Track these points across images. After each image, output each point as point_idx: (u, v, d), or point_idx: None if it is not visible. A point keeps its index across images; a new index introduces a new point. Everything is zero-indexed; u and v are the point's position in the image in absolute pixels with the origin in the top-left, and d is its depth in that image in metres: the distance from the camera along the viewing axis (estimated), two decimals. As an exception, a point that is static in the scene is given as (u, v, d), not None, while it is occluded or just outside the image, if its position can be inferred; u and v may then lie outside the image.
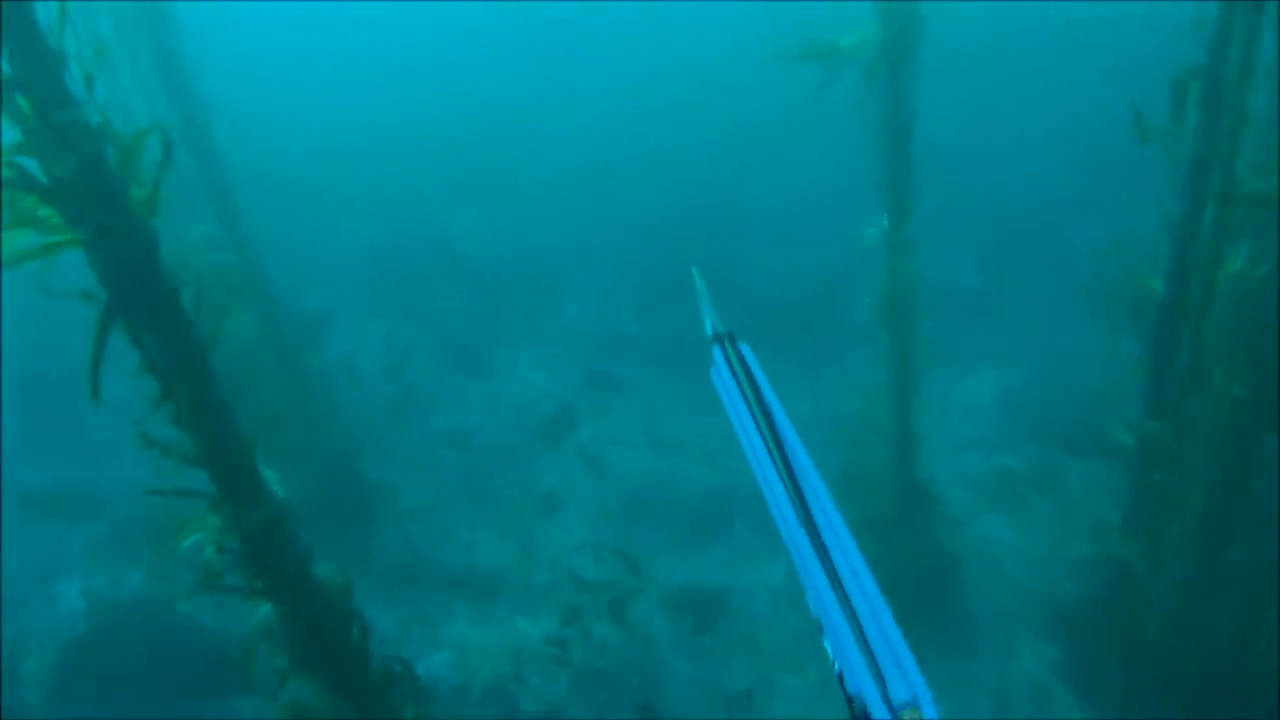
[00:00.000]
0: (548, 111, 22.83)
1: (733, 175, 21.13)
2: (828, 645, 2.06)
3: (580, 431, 14.33)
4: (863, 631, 1.99)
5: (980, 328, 17.91)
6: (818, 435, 11.50)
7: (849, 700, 1.88)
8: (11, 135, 4.68)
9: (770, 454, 2.56)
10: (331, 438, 12.63)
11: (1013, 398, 16.22)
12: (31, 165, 4.79)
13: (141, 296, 5.25)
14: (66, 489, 12.77)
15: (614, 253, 19.04)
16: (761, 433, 2.62)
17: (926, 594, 11.61)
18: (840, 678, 1.94)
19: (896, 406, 11.53)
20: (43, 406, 13.96)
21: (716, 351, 2.98)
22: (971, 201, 19.03)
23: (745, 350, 2.95)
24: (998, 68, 20.45)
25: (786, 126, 20.78)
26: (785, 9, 22.51)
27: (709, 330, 3.15)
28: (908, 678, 1.86)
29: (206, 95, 11.22)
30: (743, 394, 2.78)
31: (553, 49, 24.23)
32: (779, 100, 21.92)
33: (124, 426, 5.29)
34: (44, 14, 4.54)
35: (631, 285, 18.39)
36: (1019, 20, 21.33)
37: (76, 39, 4.67)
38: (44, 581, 11.28)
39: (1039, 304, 18.32)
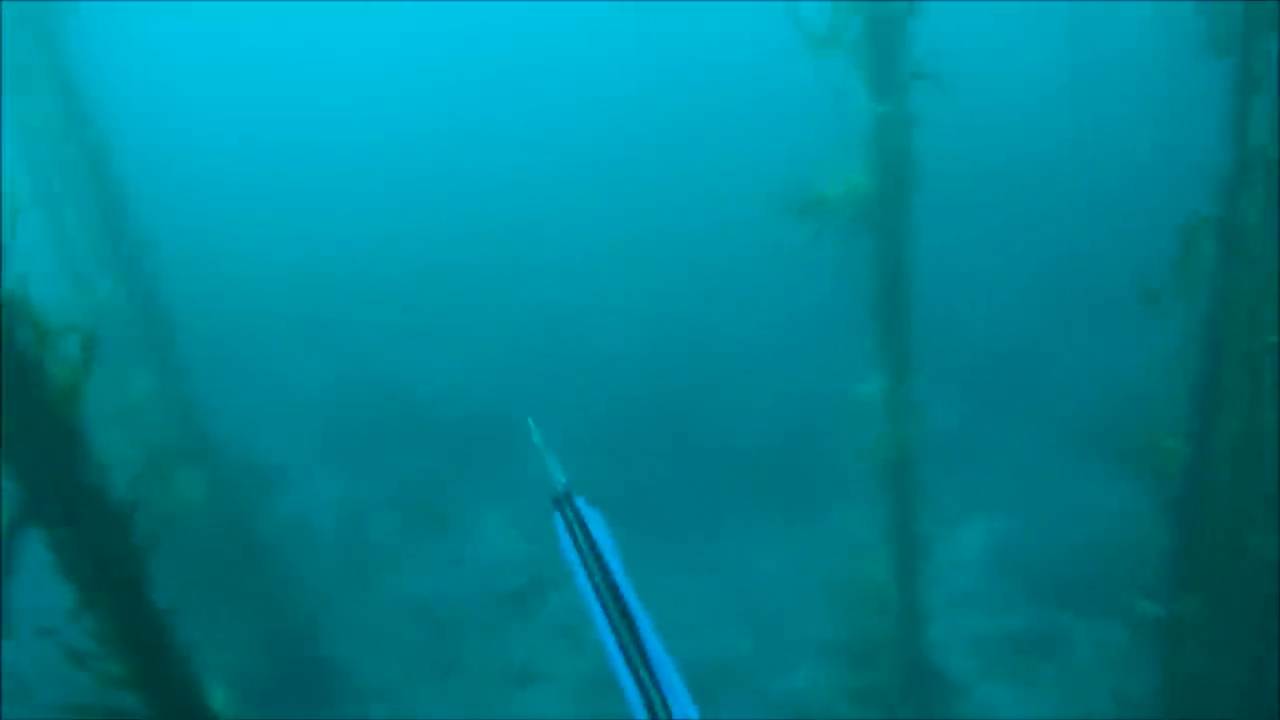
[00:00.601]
0: (509, 246, 22.33)
1: (704, 316, 20.63)
2: None
3: (552, 599, 13.33)
4: None
5: (963, 473, 17.17)
6: (807, 599, 10.73)
7: None
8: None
9: (612, 620, 2.55)
10: (284, 609, 11.55)
11: (1005, 550, 15.46)
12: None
13: (61, 498, 4.41)
14: (-15, 677, 11.45)
15: (582, 399, 18.29)
16: (602, 596, 2.63)
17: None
18: None
19: (900, 579, 10.72)
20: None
21: (557, 518, 2.98)
22: (943, 335, 18.65)
23: (583, 507, 2.98)
24: (971, 198, 20.33)
25: (762, 265, 20.43)
26: (763, 144, 22.69)
27: (560, 484, 3.13)
28: None
29: (149, 239, 10.56)
30: (582, 557, 2.78)
31: (515, 179, 23.90)
32: (754, 238, 21.73)
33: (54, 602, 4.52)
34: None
35: (602, 434, 17.56)
36: (1000, 148, 21.30)
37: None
38: None
39: (1022, 447, 17.75)
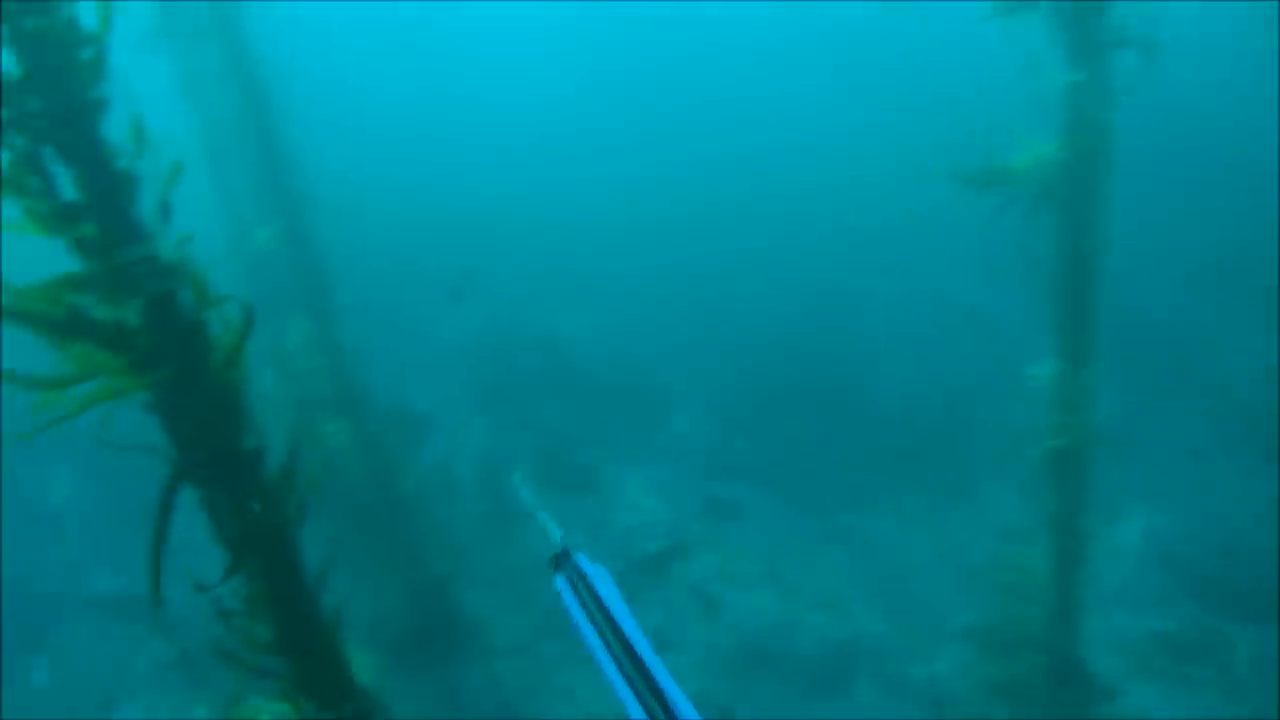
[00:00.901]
0: (659, 205, 22.06)
1: (857, 281, 19.97)
2: None
3: (692, 565, 13.07)
4: None
5: (1124, 462, 16.23)
6: (949, 581, 10.23)
7: None
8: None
9: (631, 681, 2.38)
10: (423, 561, 11.67)
11: (1165, 546, 14.55)
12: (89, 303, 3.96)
13: (217, 460, 4.35)
14: (138, 601, 11.93)
15: (728, 360, 17.99)
16: (617, 657, 2.46)
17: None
18: None
19: (1058, 570, 10.08)
20: (124, 504, 13.29)
21: (560, 580, 2.79)
22: (1112, 316, 17.58)
23: (585, 564, 2.78)
24: (1155, 173, 19.05)
25: (920, 230, 19.67)
26: (924, 102, 21.70)
27: (558, 540, 2.95)
28: None
29: (309, 190, 10.65)
30: (591, 620, 2.59)
31: (667, 138, 23.49)
32: (911, 202, 20.90)
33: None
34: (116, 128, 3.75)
35: (747, 397, 17.29)
36: (1192, 124, 19.89)
37: (153, 156, 3.89)
38: (105, 706, 10.43)
39: (1186, 438, 16.66)
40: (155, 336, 3.93)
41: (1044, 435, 9.32)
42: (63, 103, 3.55)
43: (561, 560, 2.90)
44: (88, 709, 10.59)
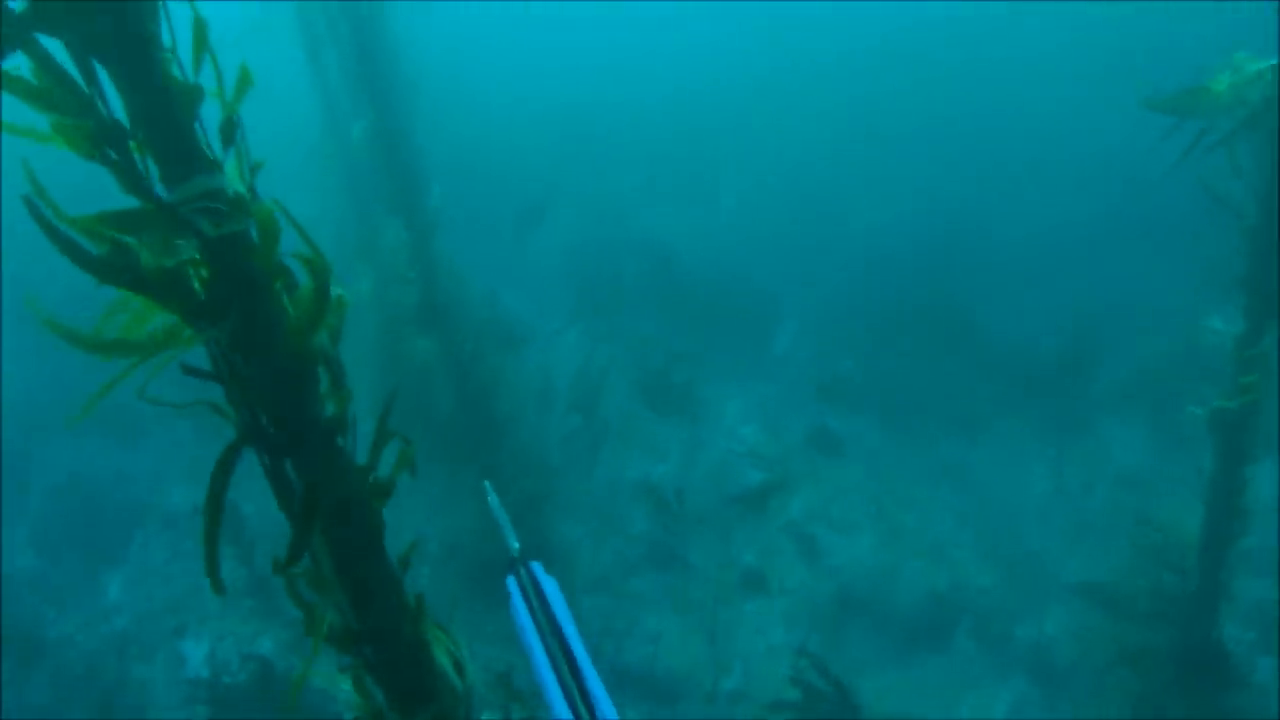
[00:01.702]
0: (772, 114, 20.80)
1: (981, 204, 18.67)
2: None
3: (792, 502, 12.31)
4: None
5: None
6: (1054, 529, 9.38)
7: None
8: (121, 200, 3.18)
9: (565, 685, 2.47)
10: (511, 481, 11.12)
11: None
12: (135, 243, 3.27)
13: (285, 428, 3.66)
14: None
15: (840, 278, 17.00)
16: (558, 669, 2.52)
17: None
18: None
19: (1209, 542, 9.13)
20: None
21: (511, 582, 2.88)
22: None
23: (540, 574, 2.87)
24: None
25: (1052, 155, 18.33)
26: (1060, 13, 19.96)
27: (513, 549, 3.05)
28: None
29: (405, 86, 9.86)
30: (538, 627, 2.68)
31: (786, 47, 22.03)
32: (1044, 125, 19.38)
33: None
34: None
35: (858, 317, 16.34)
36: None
37: (215, 68, 3.15)
38: (175, 634, 10.20)
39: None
40: (214, 286, 3.25)
41: (1216, 395, 8.28)
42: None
43: (517, 566, 2.96)
44: (156, 629, 10.40)
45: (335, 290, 3.65)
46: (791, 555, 11.58)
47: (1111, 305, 16.25)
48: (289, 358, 3.40)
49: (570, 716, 2.44)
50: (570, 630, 2.73)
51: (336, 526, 3.87)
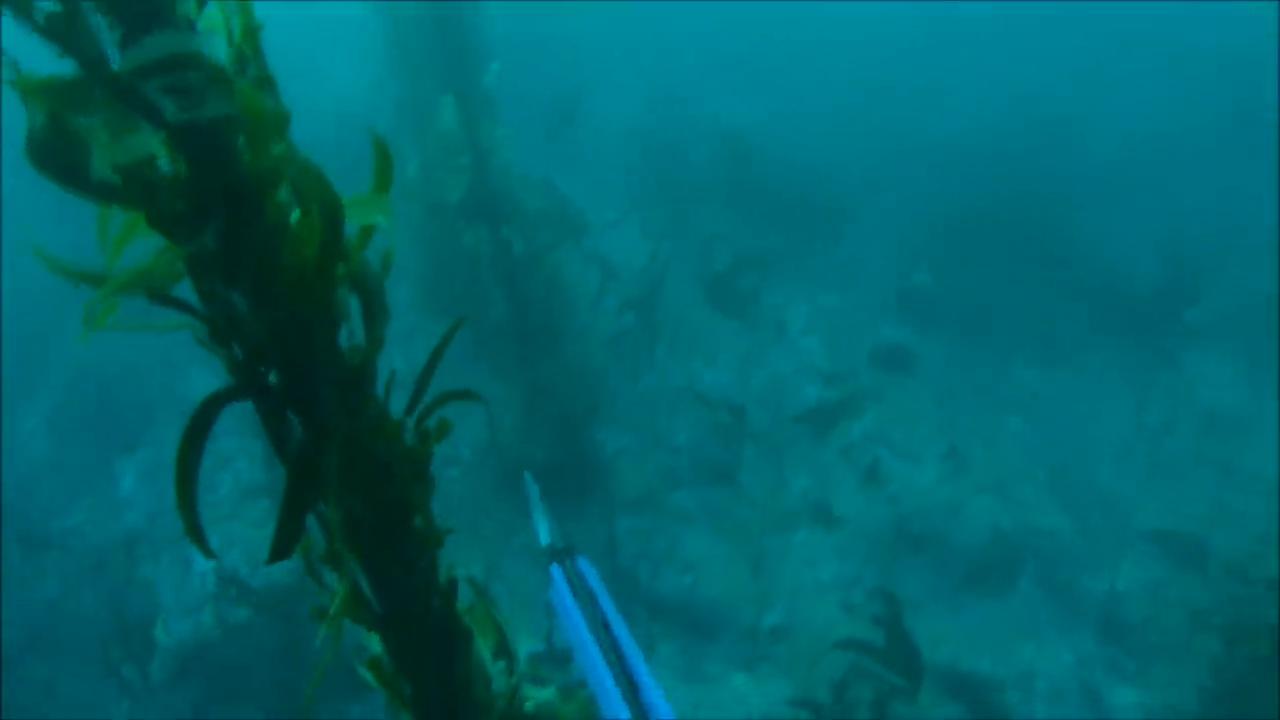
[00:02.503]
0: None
1: (1075, 108, 17.28)
2: None
3: (852, 424, 11.43)
4: None
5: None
6: (1132, 468, 8.52)
7: None
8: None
9: (617, 685, 2.40)
10: (558, 388, 10.39)
11: None
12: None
13: (288, 379, 2.89)
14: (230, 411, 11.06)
15: (918, 180, 15.82)
16: (607, 659, 2.48)
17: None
18: None
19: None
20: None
21: (555, 570, 2.83)
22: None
23: (585, 566, 2.81)
24: None
25: (1159, 54, 16.83)
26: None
27: (543, 541, 2.98)
28: None
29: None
30: (584, 617, 2.62)
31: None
32: (1148, 18, 17.81)
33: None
34: None
35: (937, 223, 15.26)
36: None
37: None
38: (185, 536, 9.61)
39: None
40: (189, 193, 2.44)
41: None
42: None
43: (560, 555, 2.89)
44: (167, 529, 9.88)
45: (374, 216, 2.82)
46: (848, 482, 10.82)
47: (1216, 230, 15.02)
48: (288, 301, 2.59)
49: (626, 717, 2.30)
50: (615, 617, 2.61)
51: (351, 493, 3.12)
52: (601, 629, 2.63)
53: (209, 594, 8.74)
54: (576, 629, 2.72)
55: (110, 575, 9.37)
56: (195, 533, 2.55)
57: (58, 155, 2.34)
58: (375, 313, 2.98)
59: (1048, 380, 13.91)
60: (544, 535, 3.12)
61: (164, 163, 2.41)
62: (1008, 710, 9.24)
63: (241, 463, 9.99)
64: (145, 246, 2.48)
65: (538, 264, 9.86)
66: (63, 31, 2.20)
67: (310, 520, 2.74)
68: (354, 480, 3.03)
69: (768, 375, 11.86)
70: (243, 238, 2.49)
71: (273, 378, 2.75)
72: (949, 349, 13.22)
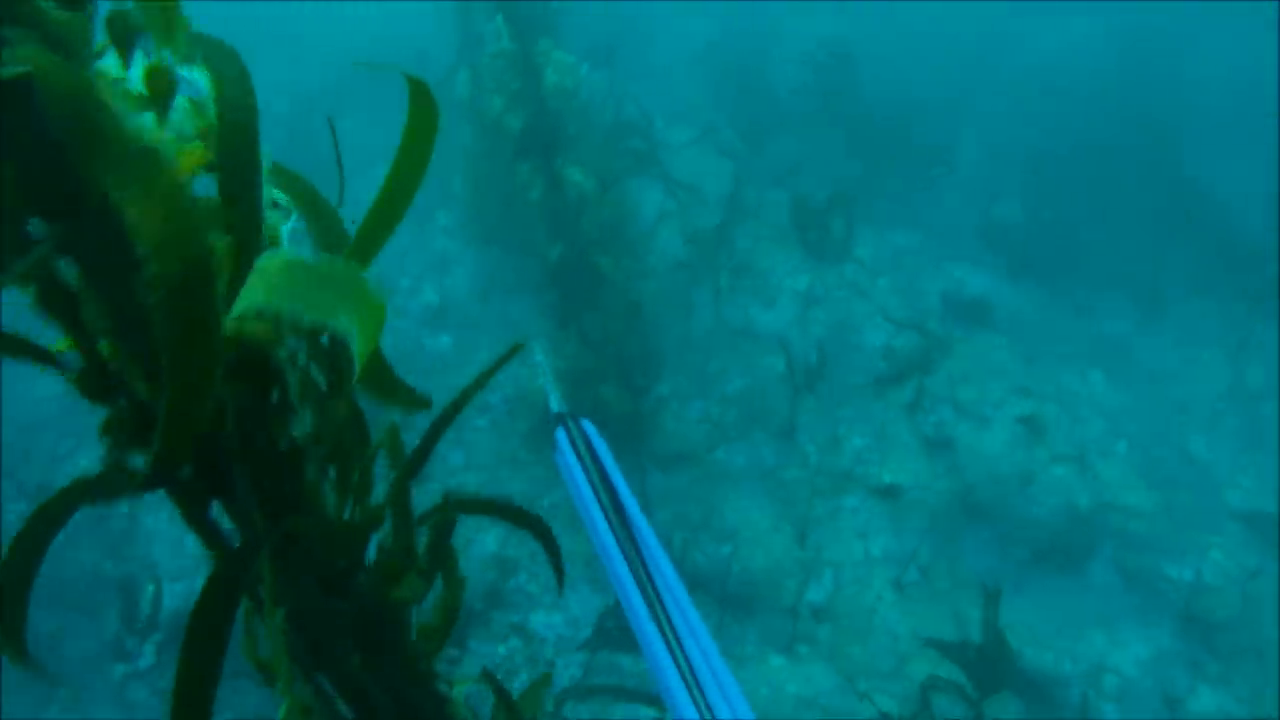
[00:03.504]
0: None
1: (1186, 33, 15.61)
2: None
3: (921, 379, 10.35)
4: (699, 680, 2.10)
5: None
6: (1226, 436, 7.43)
7: None
8: None
9: (616, 535, 2.46)
10: (614, 331, 9.53)
11: None
12: None
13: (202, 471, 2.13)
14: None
15: (1005, 114, 14.46)
16: (607, 515, 2.52)
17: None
18: None
19: None
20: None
21: (560, 434, 2.81)
22: None
23: (587, 425, 2.82)
24: None
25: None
26: None
27: (554, 407, 2.96)
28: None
29: None
30: (586, 474, 2.65)
31: None
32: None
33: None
34: None
35: (1027, 159, 13.97)
36: None
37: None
38: None
39: None
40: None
41: None
42: None
43: (565, 420, 2.78)
44: None
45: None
46: (910, 444, 9.87)
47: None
48: (169, 354, 1.74)
49: (631, 581, 2.37)
50: (618, 477, 2.65)
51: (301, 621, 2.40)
52: (602, 483, 2.64)
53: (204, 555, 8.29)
54: (581, 493, 2.67)
55: (111, 527, 8.95)
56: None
57: None
58: (341, 371, 2.21)
59: (1139, 332, 12.73)
60: (554, 403, 3.05)
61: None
62: (1071, 708, 8.42)
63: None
64: None
65: (599, 200, 8.90)
66: None
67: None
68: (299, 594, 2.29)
69: (832, 319, 10.86)
70: (88, 251, 1.69)
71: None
72: (1033, 293, 12.08)
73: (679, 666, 2.13)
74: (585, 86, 9.77)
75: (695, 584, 8.57)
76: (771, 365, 10.52)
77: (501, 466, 9.30)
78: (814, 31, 15.44)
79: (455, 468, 9.23)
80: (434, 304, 10.73)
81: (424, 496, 2.37)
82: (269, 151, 1.87)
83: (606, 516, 2.53)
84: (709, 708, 2.03)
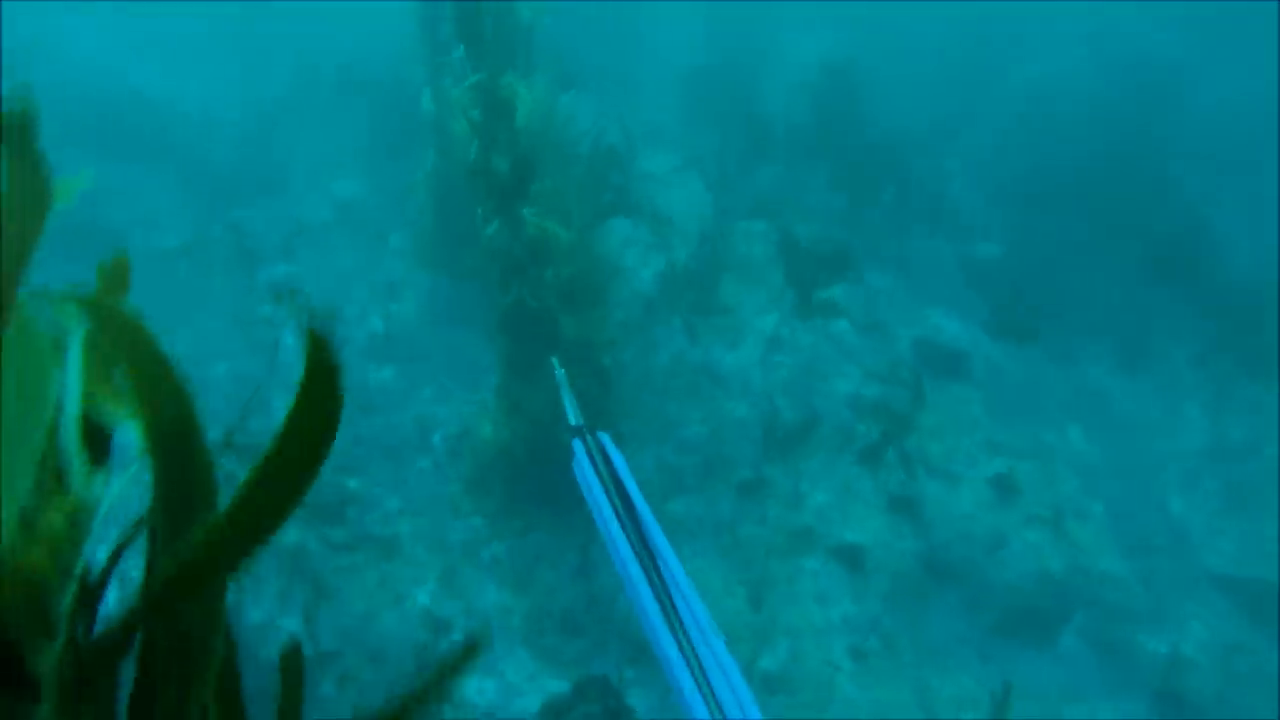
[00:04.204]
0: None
1: (1184, 63, 15.22)
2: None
3: (887, 430, 9.77)
4: (710, 681, 2.23)
5: None
6: (1202, 491, 6.91)
7: None
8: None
9: (631, 543, 2.62)
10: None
11: None
12: None
13: None
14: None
15: (988, 144, 14.02)
16: (622, 523, 2.70)
17: None
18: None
19: None
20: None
21: (577, 444, 3.09)
22: None
23: (606, 440, 3.07)
24: None
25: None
26: None
27: (572, 421, 3.27)
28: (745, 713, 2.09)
29: None
30: (602, 483, 2.89)
31: None
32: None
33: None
34: None
35: (1008, 190, 13.52)
36: None
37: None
38: None
39: None
40: None
41: None
42: None
43: (582, 431, 3.07)
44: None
45: None
46: (874, 500, 9.33)
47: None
48: None
49: (648, 588, 2.51)
50: (631, 485, 2.87)
51: None
52: (616, 491, 2.78)
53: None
54: (597, 502, 2.81)
55: None
56: None
57: None
58: None
59: (1120, 381, 12.29)
60: (572, 416, 3.25)
61: None
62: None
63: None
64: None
65: (569, 253, 8.27)
66: None
67: None
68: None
69: (798, 364, 10.31)
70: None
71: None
72: (1008, 343, 11.59)
73: (691, 670, 2.21)
74: (561, 116, 9.26)
75: (642, 651, 7.99)
76: (733, 411, 9.97)
77: (441, 512, 8.71)
78: (810, 51, 14.99)
79: (391, 513, 8.64)
80: (380, 333, 10.14)
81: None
82: None
83: (622, 524, 2.64)
84: (720, 708, 2.10)
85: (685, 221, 11.99)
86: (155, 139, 12.67)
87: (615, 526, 2.68)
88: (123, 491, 1.32)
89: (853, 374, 10.27)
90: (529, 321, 8.11)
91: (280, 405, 9.25)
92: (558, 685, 7.57)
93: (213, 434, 1.05)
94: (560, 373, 3.71)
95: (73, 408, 1.14)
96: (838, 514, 9.11)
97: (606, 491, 2.83)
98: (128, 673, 1.21)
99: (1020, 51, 16.57)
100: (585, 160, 10.84)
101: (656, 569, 2.54)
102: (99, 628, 1.18)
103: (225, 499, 1.03)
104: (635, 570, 2.57)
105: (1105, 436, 11.19)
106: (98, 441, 1.21)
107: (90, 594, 1.17)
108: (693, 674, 2.25)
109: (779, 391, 10.08)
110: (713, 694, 2.18)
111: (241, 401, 8.93)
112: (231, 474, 0.95)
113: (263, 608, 7.63)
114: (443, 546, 8.38)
